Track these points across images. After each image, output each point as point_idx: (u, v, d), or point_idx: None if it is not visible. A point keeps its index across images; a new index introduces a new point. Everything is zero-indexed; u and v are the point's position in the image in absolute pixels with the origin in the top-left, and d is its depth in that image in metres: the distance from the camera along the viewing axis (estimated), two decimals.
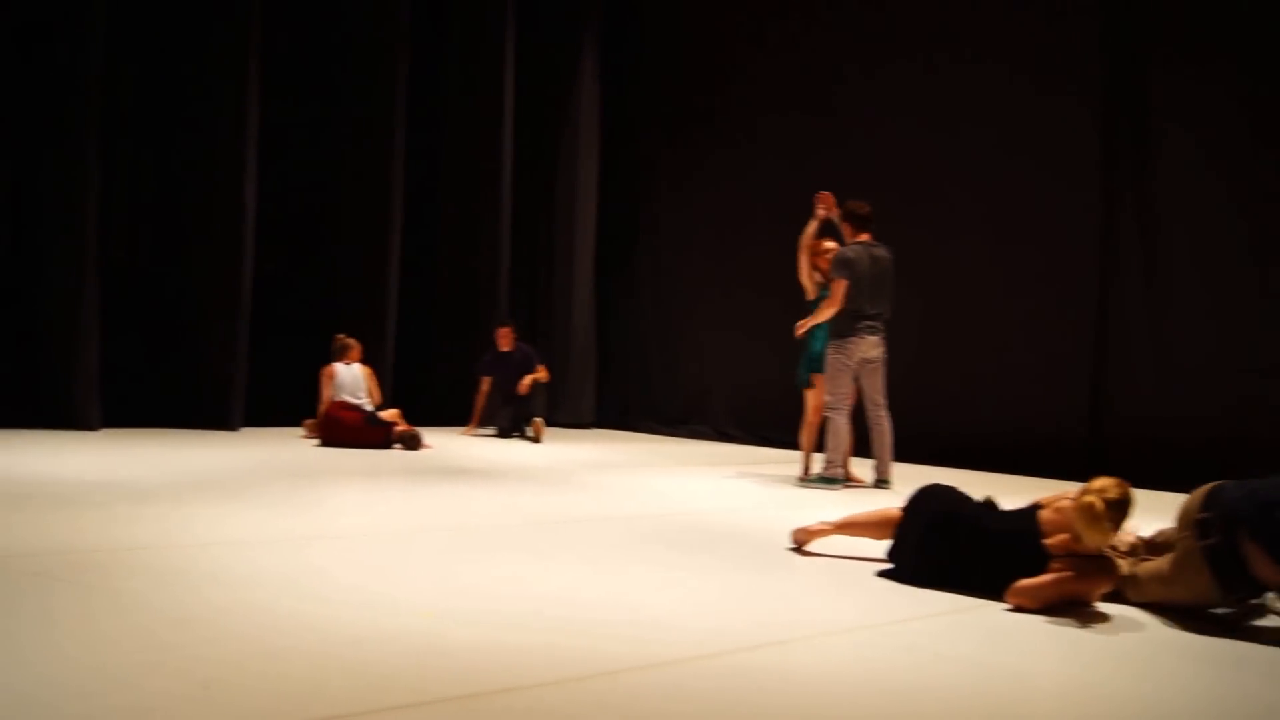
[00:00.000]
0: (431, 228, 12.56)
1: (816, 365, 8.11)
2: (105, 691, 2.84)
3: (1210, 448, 7.96)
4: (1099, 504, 4.02)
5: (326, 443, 9.57)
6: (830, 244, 8.16)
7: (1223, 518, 3.94)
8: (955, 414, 9.69)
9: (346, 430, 9.56)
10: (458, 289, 12.51)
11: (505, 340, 11.33)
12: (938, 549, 4.55)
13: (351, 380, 10.11)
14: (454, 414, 11.74)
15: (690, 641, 3.57)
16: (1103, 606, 4.23)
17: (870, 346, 7.80)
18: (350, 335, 10.38)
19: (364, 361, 10.35)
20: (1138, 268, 9.06)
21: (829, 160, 10.39)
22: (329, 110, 11.82)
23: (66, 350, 9.74)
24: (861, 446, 8.10)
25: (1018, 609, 4.13)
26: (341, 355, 10.20)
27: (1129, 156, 9.14)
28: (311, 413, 10.12)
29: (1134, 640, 3.89)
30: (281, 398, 10.92)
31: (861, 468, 8.14)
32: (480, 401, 11.38)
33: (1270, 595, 4.09)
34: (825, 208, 8.14)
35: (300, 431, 10.21)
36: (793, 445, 8.87)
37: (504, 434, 11.12)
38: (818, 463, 8.10)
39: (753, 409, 11.58)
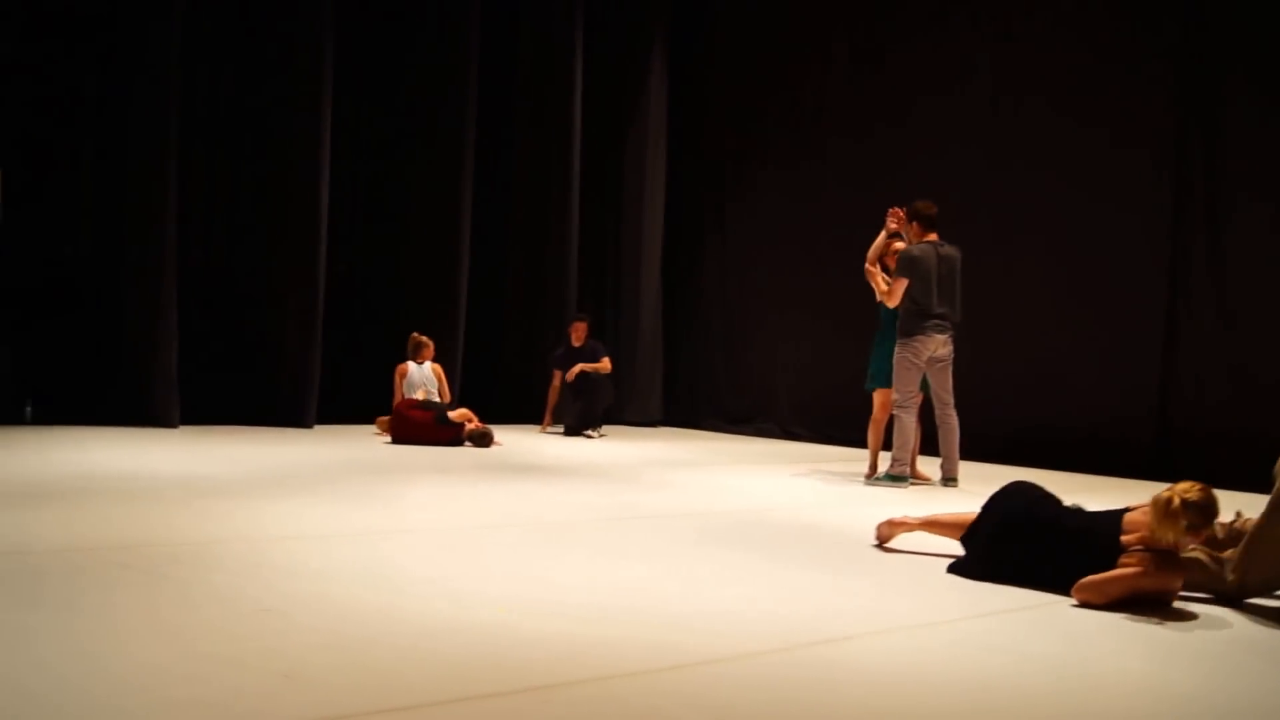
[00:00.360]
0: (501, 228, 12.67)
1: (885, 369, 8.08)
2: (189, 681, 2.90)
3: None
4: (1175, 500, 4.00)
5: (398, 440, 9.71)
6: (900, 244, 8.15)
7: None
8: (1022, 412, 9.62)
9: (417, 428, 9.70)
10: (527, 289, 12.63)
11: (578, 334, 11.43)
12: (1010, 543, 4.53)
13: (421, 379, 10.26)
14: (523, 412, 11.88)
15: (761, 635, 3.59)
16: (1187, 605, 4.19)
17: (938, 345, 7.77)
18: (423, 334, 10.55)
19: (435, 360, 10.51)
20: (1203, 257, 8.94)
21: (896, 178, 10.26)
22: (400, 113, 11.96)
23: (147, 351, 9.98)
24: (929, 444, 8.07)
25: (1084, 604, 4.11)
26: (416, 354, 10.37)
27: (1199, 151, 9.02)
28: (385, 411, 10.27)
29: (1217, 639, 3.85)
30: (354, 396, 11.10)
31: (928, 466, 8.11)
32: (552, 397, 11.49)
33: None
34: (896, 222, 8.13)
35: (373, 429, 10.37)
36: (858, 444, 8.86)
37: (571, 431, 11.21)
38: (885, 461, 8.08)
39: (818, 407, 11.56)
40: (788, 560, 4.93)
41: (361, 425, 10.74)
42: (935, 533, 5.05)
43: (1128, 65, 9.43)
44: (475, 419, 9.99)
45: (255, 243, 10.95)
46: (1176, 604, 4.19)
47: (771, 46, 12.42)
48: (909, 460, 7.92)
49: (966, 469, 7.91)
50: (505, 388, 12.36)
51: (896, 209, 8.10)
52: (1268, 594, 4.34)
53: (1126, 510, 4.34)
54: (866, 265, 8.31)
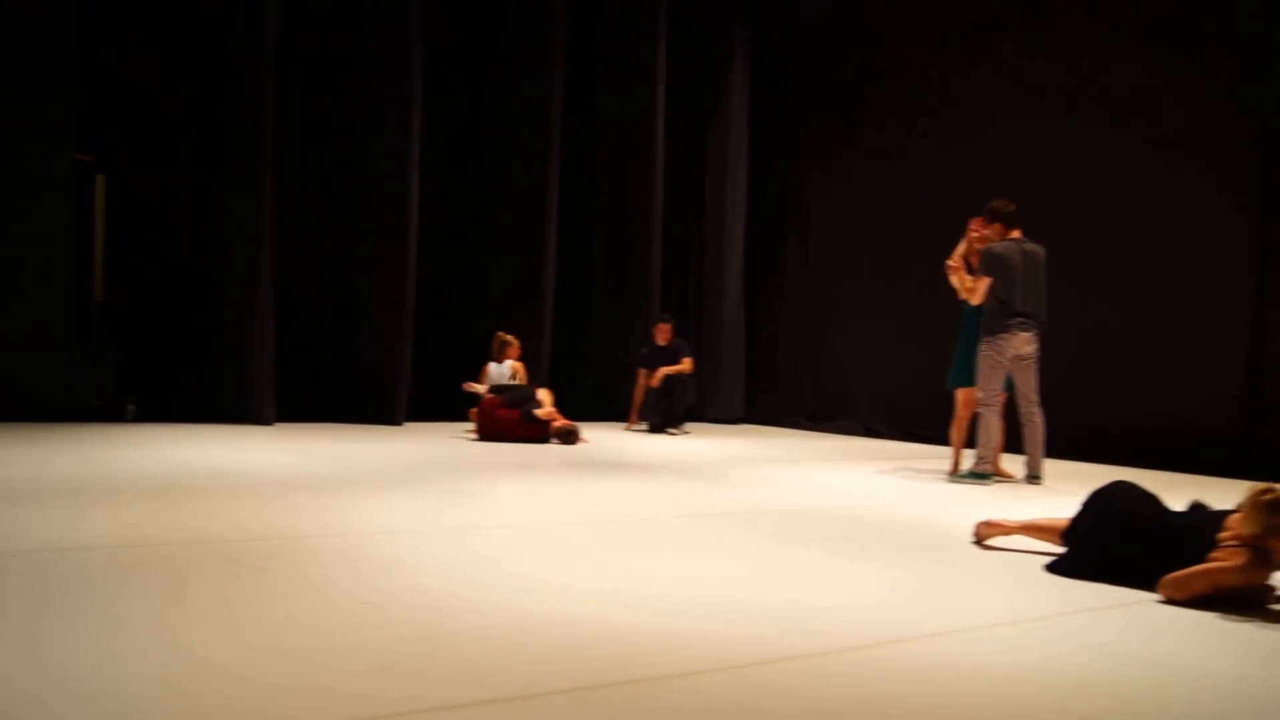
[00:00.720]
0: (586, 228, 12.81)
1: (968, 367, 8.04)
2: (289, 670, 2.99)
3: None
4: (1266, 497, 3.95)
5: (485, 437, 9.86)
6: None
7: None
8: (1108, 410, 9.49)
9: (504, 425, 9.83)
10: (611, 288, 12.76)
11: (663, 334, 11.56)
12: (1109, 540, 4.50)
13: (499, 377, 10.43)
14: (609, 409, 12.01)
15: (852, 632, 3.61)
16: None
17: (1023, 343, 7.70)
18: (509, 333, 10.71)
19: (520, 358, 10.66)
20: None
21: (976, 185, 10.14)
22: (487, 114, 12.14)
23: (243, 351, 10.26)
24: (1013, 442, 8.02)
25: (1168, 600, 4.09)
26: (500, 353, 10.55)
27: None
28: (468, 409, 10.43)
29: None
30: (443, 394, 11.29)
31: (1012, 463, 8.06)
32: (638, 396, 11.61)
33: None
34: (978, 236, 8.07)
35: (466, 425, 10.52)
36: (939, 441, 8.82)
37: (655, 430, 11.30)
38: (968, 458, 8.04)
39: (899, 405, 11.52)
40: (878, 556, 4.95)
41: (449, 423, 10.91)
42: (1033, 536, 5.03)
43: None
44: (560, 416, 10.11)
45: (346, 247, 11.19)
46: (1276, 606, 4.12)
47: (852, 51, 12.37)
48: (992, 458, 7.88)
49: (1050, 466, 7.84)
50: (591, 386, 12.50)
51: (979, 219, 8.05)
52: None
53: (1234, 510, 4.29)
54: (948, 262, 8.27)
